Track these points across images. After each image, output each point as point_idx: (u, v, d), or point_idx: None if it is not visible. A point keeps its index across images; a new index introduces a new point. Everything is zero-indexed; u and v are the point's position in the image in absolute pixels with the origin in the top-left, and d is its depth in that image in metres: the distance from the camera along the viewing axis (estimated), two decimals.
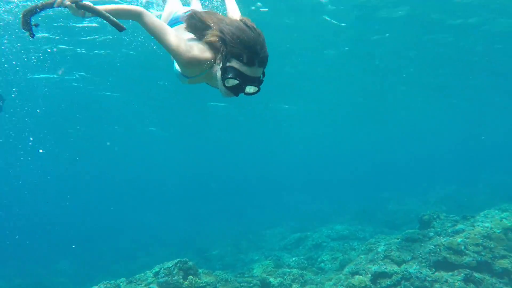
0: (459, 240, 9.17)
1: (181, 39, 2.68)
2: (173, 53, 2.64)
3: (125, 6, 2.66)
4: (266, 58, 2.50)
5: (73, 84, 17.99)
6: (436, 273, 8.64)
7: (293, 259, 11.84)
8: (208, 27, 2.73)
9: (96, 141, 30.88)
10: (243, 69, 2.44)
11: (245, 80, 2.46)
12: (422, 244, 10.00)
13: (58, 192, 42.50)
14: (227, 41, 2.48)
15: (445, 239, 9.39)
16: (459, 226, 10.24)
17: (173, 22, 3.42)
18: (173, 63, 3.05)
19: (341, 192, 32.42)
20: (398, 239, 10.63)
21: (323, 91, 21.39)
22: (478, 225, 9.84)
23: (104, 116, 24.23)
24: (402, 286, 8.50)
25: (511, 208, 11.62)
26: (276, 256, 12.34)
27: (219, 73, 2.57)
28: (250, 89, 2.53)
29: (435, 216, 11.55)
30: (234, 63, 2.45)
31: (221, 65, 2.54)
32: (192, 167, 48.13)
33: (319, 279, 9.89)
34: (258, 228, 21.08)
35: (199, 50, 2.66)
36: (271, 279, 9.60)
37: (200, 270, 9.58)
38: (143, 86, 18.97)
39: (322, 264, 11.62)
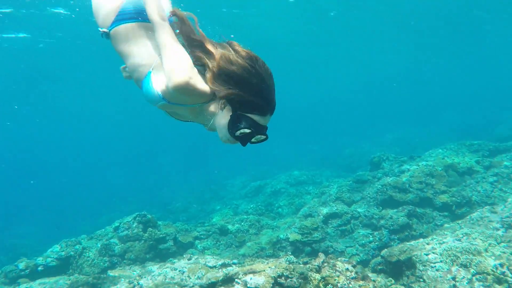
0: (404, 179, 9.73)
1: (187, 56, 2.24)
2: (175, 69, 2.15)
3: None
4: (275, 104, 2.23)
5: None
6: (383, 211, 9.22)
7: (251, 206, 12.28)
8: (206, 53, 2.25)
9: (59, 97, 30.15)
10: (257, 118, 2.14)
11: (258, 129, 2.16)
12: (371, 185, 10.56)
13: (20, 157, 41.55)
14: (243, 91, 2.11)
15: (391, 178, 9.96)
16: (405, 166, 10.82)
17: (142, 14, 2.49)
18: (148, 76, 2.37)
19: (302, 139, 33.12)
20: (349, 181, 11.16)
21: None
22: (422, 164, 10.42)
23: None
24: (351, 225, 9.05)
25: (454, 147, 12.32)
26: (235, 205, 12.77)
27: (223, 119, 2.20)
28: (259, 137, 2.23)
29: (384, 158, 12.12)
30: (251, 113, 2.14)
31: (229, 111, 2.18)
32: (153, 122, 47.74)
33: (275, 223, 10.35)
34: (221, 178, 21.48)
35: (200, 79, 2.20)
36: (229, 226, 10.00)
37: (160, 222, 9.85)
38: None
39: (280, 209, 12.11)
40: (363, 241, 8.38)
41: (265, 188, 15.09)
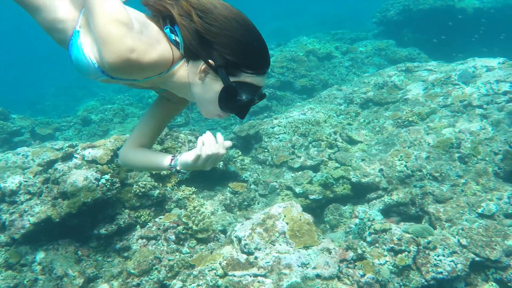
0: None
1: (130, 17, 1.48)
2: (109, 41, 1.40)
3: None
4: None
5: None
6: None
7: (119, 96, 11.91)
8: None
9: None
10: (257, 80, 1.57)
11: (259, 94, 1.62)
12: None
13: None
14: (231, 48, 1.50)
15: None
16: (271, 52, 11.05)
17: None
18: (76, 37, 1.66)
19: None
20: None
21: None
22: (285, 50, 10.72)
23: None
24: None
25: (320, 35, 12.78)
26: (101, 96, 12.26)
27: (208, 92, 1.60)
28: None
29: None
30: (246, 77, 1.55)
31: (215, 81, 1.56)
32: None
33: (142, 112, 10.20)
34: None
35: (149, 41, 1.50)
36: (92, 116, 9.66)
37: (14, 115, 9.17)
38: None
39: (150, 99, 11.92)
40: (221, 122, 8.64)
41: None
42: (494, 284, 4.12)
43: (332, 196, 5.20)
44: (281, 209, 4.20)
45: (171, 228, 4.47)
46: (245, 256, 3.90)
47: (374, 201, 5.09)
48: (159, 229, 4.46)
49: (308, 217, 4.17)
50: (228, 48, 1.48)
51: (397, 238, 4.23)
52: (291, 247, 3.90)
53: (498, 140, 5.48)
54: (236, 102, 1.56)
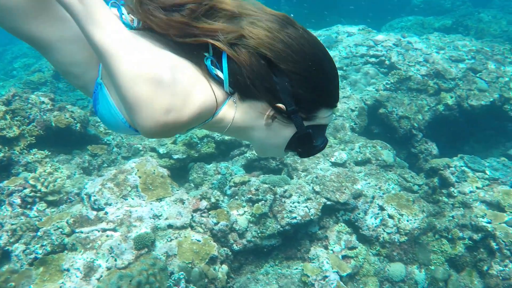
0: None
1: (157, 63, 1.10)
2: (138, 106, 1.07)
3: None
4: None
5: None
6: None
7: None
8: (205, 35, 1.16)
9: None
10: (327, 118, 1.26)
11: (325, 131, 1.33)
12: None
13: None
14: (308, 88, 1.15)
15: None
16: None
17: None
18: (101, 90, 1.28)
19: None
20: None
21: None
22: None
23: None
24: None
25: None
26: None
27: (274, 138, 1.26)
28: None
29: None
30: (321, 119, 1.23)
31: (284, 126, 1.21)
32: None
33: None
34: None
35: (201, 93, 1.14)
36: None
37: None
38: None
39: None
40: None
41: None
42: (343, 224, 4.39)
43: (197, 155, 5.16)
44: (135, 164, 4.06)
45: (17, 192, 4.11)
46: (95, 212, 3.72)
47: (237, 157, 5.14)
48: (2, 193, 4.09)
49: (162, 170, 4.08)
50: (305, 88, 1.14)
51: (254, 189, 4.31)
52: (144, 200, 3.79)
53: (355, 98, 5.82)
54: (312, 149, 1.27)
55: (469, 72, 6.08)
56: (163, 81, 1.05)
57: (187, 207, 3.79)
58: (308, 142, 1.24)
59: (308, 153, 1.29)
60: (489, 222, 4.37)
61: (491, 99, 5.80)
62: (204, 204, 3.87)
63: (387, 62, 6.32)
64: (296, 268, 4.20)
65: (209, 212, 3.88)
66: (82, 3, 1.06)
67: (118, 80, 1.05)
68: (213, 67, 1.16)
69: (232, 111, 1.21)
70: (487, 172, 4.89)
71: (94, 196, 3.78)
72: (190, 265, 3.45)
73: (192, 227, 3.72)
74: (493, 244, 4.25)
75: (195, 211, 3.82)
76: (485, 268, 4.25)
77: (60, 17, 1.22)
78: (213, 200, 3.95)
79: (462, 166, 4.92)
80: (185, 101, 1.08)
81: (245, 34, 1.10)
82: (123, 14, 1.23)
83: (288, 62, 1.10)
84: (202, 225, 3.75)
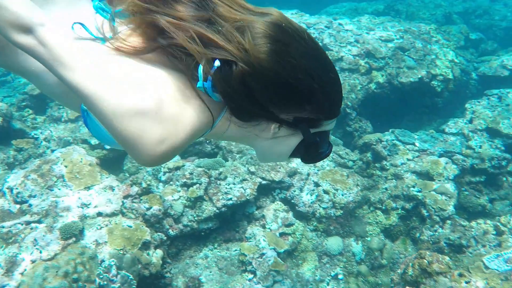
0: None
1: (141, 91, 1.00)
2: (130, 144, 1.00)
3: None
4: None
5: None
6: None
7: None
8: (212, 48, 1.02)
9: None
10: (330, 126, 1.22)
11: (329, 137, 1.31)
12: None
13: None
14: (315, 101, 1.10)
15: None
16: None
17: None
18: (90, 119, 1.16)
19: None
20: None
21: None
22: None
23: None
24: None
25: None
26: None
27: (278, 146, 1.20)
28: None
29: None
30: (326, 125, 1.19)
31: (289, 135, 1.16)
32: None
33: None
34: None
35: (193, 111, 1.04)
36: None
37: None
38: None
39: None
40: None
41: None
42: (279, 203, 4.41)
43: None
44: (60, 153, 3.90)
45: None
46: (18, 205, 3.54)
47: None
48: None
49: (90, 159, 3.95)
50: (315, 103, 1.11)
51: (189, 173, 4.25)
52: (71, 190, 3.65)
53: None
54: (318, 156, 1.25)
55: (398, 51, 6.28)
56: (148, 111, 0.96)
57: (117, 193, 3.69)
58: (314, 150, 1.22)
59: (313, 159, 1.27)
60: (419, 191, 4.53)
61: (419, 76, 6.02)
62: (135, 189, 3.78)
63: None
64: (236, 250, 4.19)
65: (141, 198, 3.79)
66: (44, 46, 0.95)
67: (103, 121, 0.98)
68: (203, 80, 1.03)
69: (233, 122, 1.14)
70: (417, 144, 5.07)
71: (17, 189, 3.59)
72: (121, 252, 3.35)
73: (123, 214, 3.62)
74: (424, 211, 4.41)
75: (125, 197, 3.72)
76: (418, 235, 4.40)
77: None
78: (144, 185, 3.86)
79: (393, 140, 5.08)
80: (176, 125, 1.00)
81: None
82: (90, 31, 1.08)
83: (295, 79, 1.02)
84: (134, 211, 3.66)
